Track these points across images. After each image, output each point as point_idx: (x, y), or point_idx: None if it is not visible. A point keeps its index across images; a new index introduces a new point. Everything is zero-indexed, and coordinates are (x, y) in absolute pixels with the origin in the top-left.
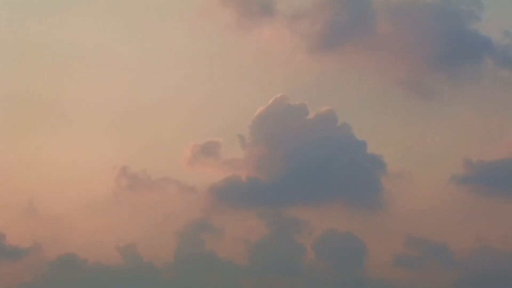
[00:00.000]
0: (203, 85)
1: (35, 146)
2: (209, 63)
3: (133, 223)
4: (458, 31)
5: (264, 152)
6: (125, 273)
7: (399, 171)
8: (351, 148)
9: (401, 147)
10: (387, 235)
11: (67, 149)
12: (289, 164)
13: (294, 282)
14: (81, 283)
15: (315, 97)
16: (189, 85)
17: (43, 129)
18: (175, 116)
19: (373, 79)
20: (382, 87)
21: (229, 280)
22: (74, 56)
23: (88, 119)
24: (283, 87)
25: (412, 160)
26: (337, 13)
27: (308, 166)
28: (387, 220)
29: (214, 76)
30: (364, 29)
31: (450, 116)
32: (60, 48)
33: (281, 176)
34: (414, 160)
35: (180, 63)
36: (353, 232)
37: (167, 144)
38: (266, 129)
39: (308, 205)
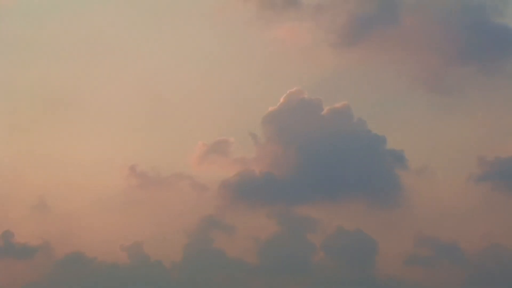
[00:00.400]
0: (220, 82)
1: (47, 142)
2: (228, 59)
3: (142, 222)
4: (482, 25)
5: (278, 149)
6: (132, 272)
7: (418, 168)
8: (369, 144)
9: (421, 143)
10: (399, 233)
11: (79, 146)
12: (304, 161)
13: (304, 281)
14: (89, 282)
15: (334, 91)
16: (205, 82)
17: (55, 125)
18: (191, 113)
19: (395, 73)
20: (404, 81)
21: (238, 279)
22: (90, 51)
23: (101, 116)
24: (299, 82)
25: (432, 157)
26: (362, 5)
27: (323, 163)
28: (401, 218)
29: (232, 73)
30: (387, 23)
31: (472, 112)
32: (78, 43)
33: (294, 173)
34: (434, 157)
35: (198, 60)
36: (364, 230)
37: (178, 142)
38: (279, 124)
39: (321, 202)
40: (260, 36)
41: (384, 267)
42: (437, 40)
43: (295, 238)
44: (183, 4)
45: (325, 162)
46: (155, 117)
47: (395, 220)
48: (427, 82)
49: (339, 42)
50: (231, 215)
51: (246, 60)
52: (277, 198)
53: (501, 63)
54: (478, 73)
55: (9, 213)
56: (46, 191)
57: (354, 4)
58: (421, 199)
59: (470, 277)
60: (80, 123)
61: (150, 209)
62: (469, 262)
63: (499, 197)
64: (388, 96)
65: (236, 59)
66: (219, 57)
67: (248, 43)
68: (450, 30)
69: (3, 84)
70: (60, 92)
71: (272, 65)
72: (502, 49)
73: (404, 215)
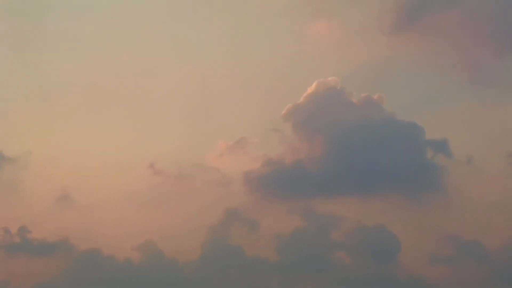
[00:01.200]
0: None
1: (76, 136)
2: (264, 50)
3: (161, 218)
4: None
5: (303, 142)
6: (147, 270)
7: (462, 159)
8: (404, 134)
9: (464, 134)
10: (425, 231)
11: (105, 140)
12: (333, 154)
13: (324, 279)
14: (106, 279)
15: (372, 81)
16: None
17: (80, 118)
18: (213, 110)
19: (437, 63)
20: (446, 72)
21: (257, 276)
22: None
23: (127, 112)
24: (336, 73)
25: (475, 147)
26: None
27: (351, 156)
28: (429, 215)
29: (268, 63)
30: (433, 13)
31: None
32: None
33: (324, 167)
34: (478, 147)
35: (232, 52)
36: (388, 227)
37: (203, 138)
38: (308, 116)
39: (346, 197)
40: (297, 28)
41: (407, 265)
42: (484, 31)
43: (316, 234)
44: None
45: (356, 155)
46: (182, 115)
47: (420, 217)
48: (471, 73)
49: (386, 29)
50: (252, 212)
51: (282, 52)
52: (303, 192)
53: None
54: None
55: (30, 207)
56: (70, 184)
57: None
58: (462, 191)
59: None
60: (108, 119)
61: (171, 205)
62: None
63: None
64: (429, 87)
65: (273, 52)
66: (253, 52)
67: (285, 36)
68: (497, 20)
69: (38, 76)
70: (92, 88)
71: (308, 57)
72: None
73: (437, 209)
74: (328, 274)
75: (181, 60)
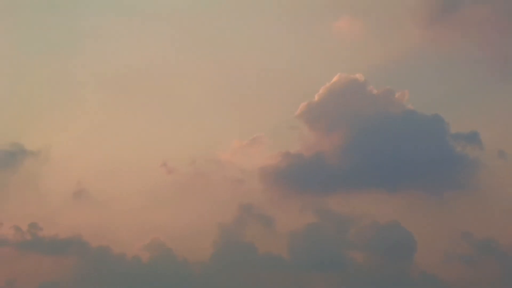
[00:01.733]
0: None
1: (90, 131)
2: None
3: (173, 216)
4: None
5: (322, 137)
6: (156, 269)
7: (492, 154)
8: (427, 130)
9: (494, 129)
10: (441, 229)
11: (120, 136)
12: (353, 149)
13: (338, 278)
14: (117, 277)
15: (395, 76)
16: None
17: (99, 114)
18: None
19: (466, 58)
20: (475, 66)
21: (270, 274)
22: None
23: (145, 109)
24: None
25: (506, 142)
26: None
27: (371, 151)
28: (446, 213)
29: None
30: (463, 8)
31: None
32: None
33: (343, 161)
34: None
35: (257, 49)
36: (403, 224)
37: (216, 135)
38: (327, 110)
39: (363, 194)
40: (322, 25)
41: (423, 263)
42: None
43: (331, 232)
44: None
45: (376, 149)
46: (198, 112)
47: (437, 214)
48: (502, 68)
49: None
50: (266, 208)
51: (306, 49)
52: (319, 188)
53: None
54: None
55: (46, 203)
56: (86, 179)
57: None
58: (493, 186)
59: None
60: (126, 115)
61: (185, 203)
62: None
63: None
64: (457, 81)
65: (297, 48)
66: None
67: (309, 32)
68: None
69: (61, 71)
70: (112, 85)
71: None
72: None
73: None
74: (342, 272)
75: (199, 59)
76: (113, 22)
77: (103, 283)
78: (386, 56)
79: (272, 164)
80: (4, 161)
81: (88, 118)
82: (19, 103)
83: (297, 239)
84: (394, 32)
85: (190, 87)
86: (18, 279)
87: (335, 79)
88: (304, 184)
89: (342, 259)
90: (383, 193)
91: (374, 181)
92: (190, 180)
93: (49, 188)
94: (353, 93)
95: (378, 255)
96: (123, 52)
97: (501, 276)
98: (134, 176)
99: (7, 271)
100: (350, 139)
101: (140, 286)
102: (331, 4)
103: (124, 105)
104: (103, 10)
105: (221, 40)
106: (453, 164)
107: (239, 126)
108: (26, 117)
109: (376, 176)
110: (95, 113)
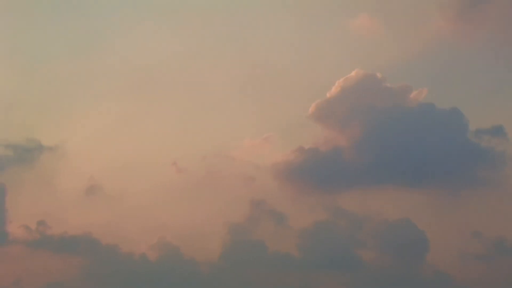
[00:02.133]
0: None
1: (105, 127)
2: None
3: (181, 215)
4: None
5: (335, 134)
6: (164, 269)
7: None
8: (447, 126)
9: None
10: (455, 227)
11: (134, 133)
12: (369, 144)
13: (350, 277)
14: (125, 276)
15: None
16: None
17: (114, 110)
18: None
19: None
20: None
21: (280, 273)
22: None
23: (158, 107)
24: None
25: None
26: None
27: (388, 147)
28: (460, 211)
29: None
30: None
31: None
32: None
33: (359, 157)
34: None
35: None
36: (415, 222)
37: (229, 133)
38: (342, 106)
39: (377, 191)
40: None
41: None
42: None
43: (340, 229)
44: None
45: (393, 145)
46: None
47: (449, 214)
48: None
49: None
50: (277, 206)
51: (324, 45)
52: (334, 184)
53: None
54: None
55: (59, 199)
56: (99, 175)
57: None
58: None
59: None
60: (140, 113)
61: (196, 201)
62: None
63: None
64: (478, 78)
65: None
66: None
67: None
68: None
69: (79, 67)
70: (128, 83)
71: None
72: None
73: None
74: (353, 271)
75: (212, 58)
76: (130, 19)
77: (110, 282)
78: (404, 53)
79: (286, 160)
80: (21, 157)
81: (103, 115)
82: (36, 99)
83: (307, 237)
84: (412, 29)
85: (202, 86)
86: (24, 279)
87: (352, 74)
88: (319, 180)
89: (353, 258)
90: (399, 190)
91: (390, 177)
92: (201, 178)
93: (62, 184)
94: (369, 88)
95: (390, 254)
96: (138, 50)
97: None
98: (145, 175)
99: (15, 270)
100: (366, 135)
101: (148, 285)
102: (349, 2)
103: (138, 103)
104: (121, 8)
105: (235, 38)
106: (476, 160)
107: (252, 125)
108: (43, 113)
109: (393, 173)
110: (110, 109)
